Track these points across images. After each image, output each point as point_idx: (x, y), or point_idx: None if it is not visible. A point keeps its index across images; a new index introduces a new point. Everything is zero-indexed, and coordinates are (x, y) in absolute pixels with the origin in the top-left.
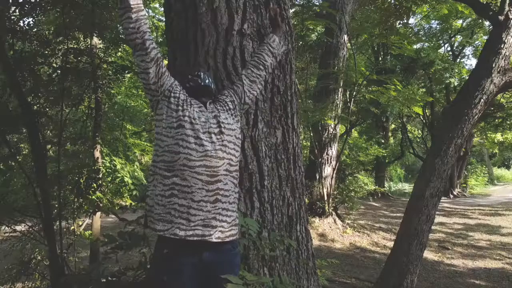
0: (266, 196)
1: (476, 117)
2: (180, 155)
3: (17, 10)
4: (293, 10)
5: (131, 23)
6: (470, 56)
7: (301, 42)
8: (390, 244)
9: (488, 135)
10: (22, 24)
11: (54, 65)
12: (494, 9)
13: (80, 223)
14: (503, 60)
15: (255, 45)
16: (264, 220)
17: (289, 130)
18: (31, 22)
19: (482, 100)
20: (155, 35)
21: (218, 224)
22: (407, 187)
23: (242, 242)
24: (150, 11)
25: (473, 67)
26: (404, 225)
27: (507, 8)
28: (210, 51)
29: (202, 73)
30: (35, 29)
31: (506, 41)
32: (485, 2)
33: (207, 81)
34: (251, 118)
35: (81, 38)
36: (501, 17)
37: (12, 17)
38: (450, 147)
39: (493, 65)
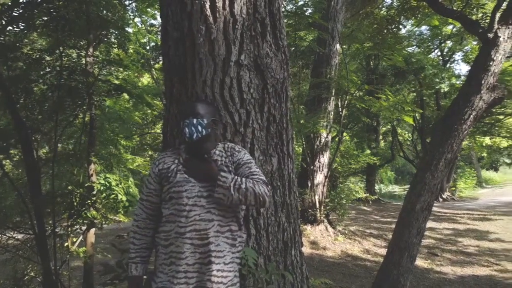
0: (262, 223)
1: (466, 132)
2: (175, 223)
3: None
4: (286, 20)
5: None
6: (460, 61)
7: (293, 48)
8: (381, 251)
9: (477, 138)
10: (13, 40)
11: (48, 81)
12: (484, 26)
13: (74, 239)
14: (492, 77)
15: (252, 75)
16: (260, 246)
17: (285, 157)
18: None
19: (471, 116)
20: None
21: (215, 286)
22: (397, 189)
23: (240, 271)
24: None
25: (462, 72)
26: (395, 238)
27: (496, 26)
28: (208, 81)
29: (187, 128)
30: (29, 47)
31: (495, 58)
32: (474, 19)
33: (194, 135)
34: (247, 147)
35: (74, 55)
36: (490, 35)
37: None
38: (440, 162)
39: (482, 82)
